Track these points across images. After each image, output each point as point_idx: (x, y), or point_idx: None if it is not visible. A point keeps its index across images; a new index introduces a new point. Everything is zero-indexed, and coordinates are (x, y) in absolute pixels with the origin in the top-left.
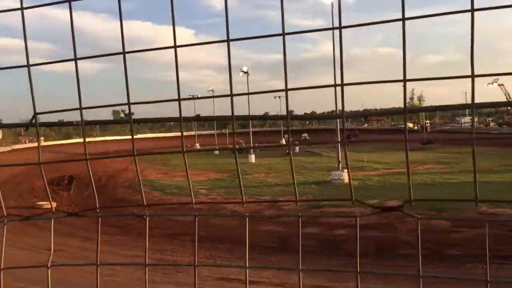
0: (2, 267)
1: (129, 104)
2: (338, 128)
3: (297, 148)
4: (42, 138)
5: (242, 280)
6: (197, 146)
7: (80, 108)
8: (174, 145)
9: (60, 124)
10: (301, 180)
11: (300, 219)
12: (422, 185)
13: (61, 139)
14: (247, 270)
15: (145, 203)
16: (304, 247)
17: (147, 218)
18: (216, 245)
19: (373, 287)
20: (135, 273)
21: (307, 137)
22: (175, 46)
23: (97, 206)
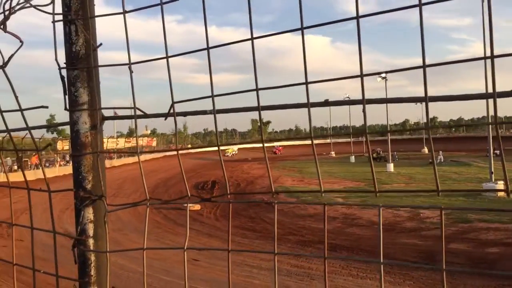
0: (145, 246)
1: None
2: (490, 136)
3: (441, 157)
4: (189, 145)
5: None
6: (332, 154)
7: (212, 96)
8: (307, 152)
9: (194, 113)
10: (447, 192)
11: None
12: None
13: (206, 147)
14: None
15: (273, 190)
16: (451, 264)
17: (276, 206)
18: (352, 255)
19: None
20: (271, 276)
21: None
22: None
23: (228, 192)
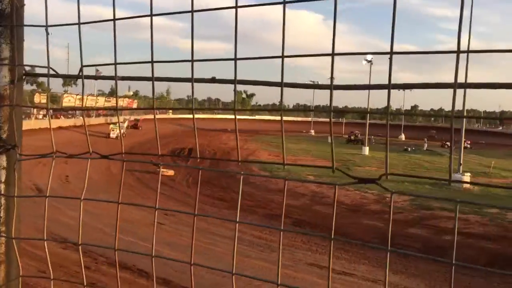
0: (47, 194)
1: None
2: (464, 129)
3: (426, 144)
4: (170, 111)
5: (335, 270)
6: (312, 132)
7: (115, 64)
8: (288, 128)
9: (103, 77)
10: (415, 180)
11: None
12: None
13: (186, 114)
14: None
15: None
16: (408, 248)
17: (161, 167)
18: (316, 231)
19: None
20: (233, 244)
21: (435, 135)
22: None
23: (123, 152)
